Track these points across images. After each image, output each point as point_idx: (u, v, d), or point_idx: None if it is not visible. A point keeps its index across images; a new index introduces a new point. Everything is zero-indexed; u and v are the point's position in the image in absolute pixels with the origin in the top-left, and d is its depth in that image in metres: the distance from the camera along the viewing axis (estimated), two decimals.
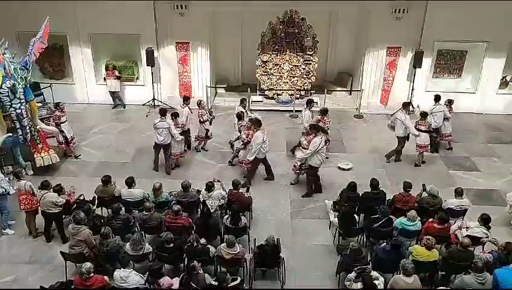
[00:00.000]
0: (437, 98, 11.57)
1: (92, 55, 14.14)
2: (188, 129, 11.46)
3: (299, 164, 9.99)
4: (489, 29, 13.12)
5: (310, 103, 11.29)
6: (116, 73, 13.91)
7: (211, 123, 11.59)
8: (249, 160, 9.99)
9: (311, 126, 9.80)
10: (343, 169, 10.99)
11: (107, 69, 14.03)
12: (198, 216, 8.34)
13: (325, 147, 9.61)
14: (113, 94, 14.30)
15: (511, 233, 8.68)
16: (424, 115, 10.99)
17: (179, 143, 10.67)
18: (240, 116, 10.75)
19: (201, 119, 11.29)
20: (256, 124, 9.95)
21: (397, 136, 11.21)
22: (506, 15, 12.90)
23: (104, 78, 14.11)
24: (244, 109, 11.28)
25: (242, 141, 10.27)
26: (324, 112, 11.13)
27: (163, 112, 10.45)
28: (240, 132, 10.46)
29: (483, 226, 7.74)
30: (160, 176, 10.47)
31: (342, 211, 8.20)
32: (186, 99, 11.50)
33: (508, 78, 14.56)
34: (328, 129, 10.97)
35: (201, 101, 11.57)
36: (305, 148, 9.67)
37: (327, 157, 9.76)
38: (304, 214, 9.40)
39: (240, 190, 8.76)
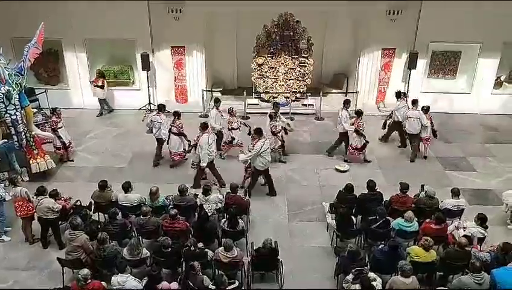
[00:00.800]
0: (398, 95, 11.99)
1: (87, 60, 14.12)
2: (220, 132, 11.37)
3: (245, 166, 10.07)
4: (483, 30, 13.21)
5: (346, 103, 11.40)
6: (99, 82, 13.78)
7: (250, 134, 11.28)
8: (203, 166, 10.01)
9: (255, 130, 9.86)
10: (341, 171, 11.01)
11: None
12: (196, 220, 8.32)
13: (268, 149, 9.63)
14: (100, 101, 14.21)
15: (507, 232, 8.71)
16: (426, 109, 11.31)
17: (178, 142, 10.76)
18: (271, 116, 10.86)
19: (230, 127, 11.19)
20: (201, 126, 10.04)
21: (413, 134, 11.41)
22: (499, 16, 12.98)
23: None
24: (277, 112, 11.23)
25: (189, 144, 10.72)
26: (359, 113, 11.19)
27: (160, 107, 11.04)
28: (272, 132, 10.84)
29: (479, 225, 7.77)
30: (158, 179, 10.43)
31: (341, 212, 8.19)
32: (216, 101, 11.61)
33: (502, 78, 14.65)
34: (362, 131, 11.11)
35: (232, 108, 11.46)
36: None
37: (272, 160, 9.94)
38: (301, 217, 9.40)
39: (238, 193, 8.75)
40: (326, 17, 14.76)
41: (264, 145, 9.49)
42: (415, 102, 11.50)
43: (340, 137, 11.54)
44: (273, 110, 11.23)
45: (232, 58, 15.55)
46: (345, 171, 11.01)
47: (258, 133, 9.69)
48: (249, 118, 13.87)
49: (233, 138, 11.26)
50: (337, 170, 11.05)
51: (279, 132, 10.99)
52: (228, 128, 11.25)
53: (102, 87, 13.85)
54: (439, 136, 12.11)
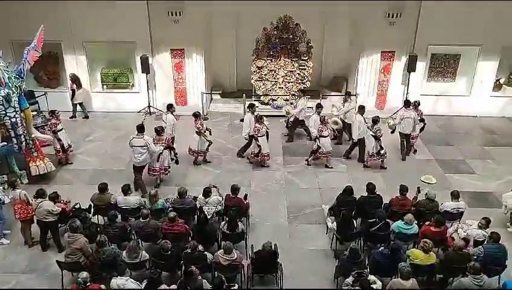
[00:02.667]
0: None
1: (86, 63, 14.14)
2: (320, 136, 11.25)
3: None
4: (482, 33, 13.25)
5: (416, 104, 11.68)
6: (73, 87, 13.73)
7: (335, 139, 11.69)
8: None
9: (155, 129, 10.17)
10: (429, 183, 10.56)
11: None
12: (195, 223, 8.31)
13: (138, 148, 9.62)
14: (74, 105, 14.08)
15: (507, 234, 8.69)
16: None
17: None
18: (375, 121, 11.04)
19: (320, 134, 10.98)
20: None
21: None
22: (498, 19, 13.02)
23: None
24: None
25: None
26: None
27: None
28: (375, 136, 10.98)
29: (483, 228, 7.76)
30: (155, 182, 10.47)
31: (343, 214, 8.17)
32: (319, 106, 11.65)
33: (501, 81, 14.67)
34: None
35: (324, 117, 11.32)
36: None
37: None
38: (301, 219, 9.39)
39: (238, 195, 8.75)
40: (326, 20, 14.78)
41: (132, 141, 9.67)
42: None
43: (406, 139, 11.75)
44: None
45: (232, 61, 15.56)
46: (433, 183, 10.63)
47: (138, 129, 9.74)
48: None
49: (319, 147, 11.06)
50: (423, 182, 10.57)
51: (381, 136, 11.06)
52: (317, 135, 11.06)
53: (73, 92, 13.76)
54: (438, 139, 12.12)
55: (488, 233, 7.75)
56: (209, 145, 11.31)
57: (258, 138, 10.97)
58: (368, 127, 11.09)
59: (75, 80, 13.83)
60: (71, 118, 14.02)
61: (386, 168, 11.26)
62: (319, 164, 11.38)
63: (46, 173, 10.44)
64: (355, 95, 14.09)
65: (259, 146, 11.02)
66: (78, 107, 14.17)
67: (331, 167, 11.29)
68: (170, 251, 7.25)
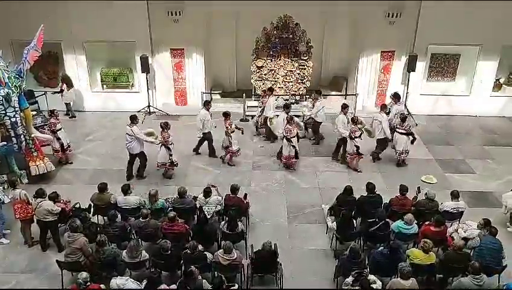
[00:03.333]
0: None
1: (86, 63, 14.14)
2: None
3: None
4: (482, 32, 13.26)
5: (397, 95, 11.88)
6: (63, 87, 13.69)
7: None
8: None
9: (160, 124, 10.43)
10: (429, 183, 10.56)
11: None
12: (195, 223, 8.31)
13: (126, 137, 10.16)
14: (66, 104, 14.07)
15: (507, 234, 8.69)
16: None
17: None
18: (404, 119, 11.05)
19: (353, 136, 10.77)
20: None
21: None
22: (498, 19, 13.03)
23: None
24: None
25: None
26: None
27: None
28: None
29: (482, 229, 7.76)
30: (157, 182, 10.46)
31: (343, 213, 8.17)
32: (345, 106, 11.27)
33: (501, 81, 14.67)
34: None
35: (357, 117, 11.15)
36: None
37: None
38: (301, 219, 9.39)
39: (238, 195, 8.75)
40: (326, 20, 14.79)
41: (125, 128, 10.21)
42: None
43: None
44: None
45: (232, 61, 15.56)
46: (434, 183, 10.60)
47: (130, 119, 10.20)
48: (248, 120, 13.87)
49: (357, 147, 10.82)
50: (424, 182, 10.59)
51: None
52: (351, 137, 10.80)
53: (61, 92, 13.73)
54: (438, 138, 12.13)
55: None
56: (227, 147, 11.17)
57: (292, 139, 10.80)
58: (396, 125, 11.12)
59: (66, 79, 13.81)
60: (70, 117, 14.03)
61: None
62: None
63: (46, 173, 10.44)
64: (355, 94, 14.12)
65: (293, 147, 10.86)
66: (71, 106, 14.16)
67: (360, 171, 11.09)
68: (170, 251, 7.25)
